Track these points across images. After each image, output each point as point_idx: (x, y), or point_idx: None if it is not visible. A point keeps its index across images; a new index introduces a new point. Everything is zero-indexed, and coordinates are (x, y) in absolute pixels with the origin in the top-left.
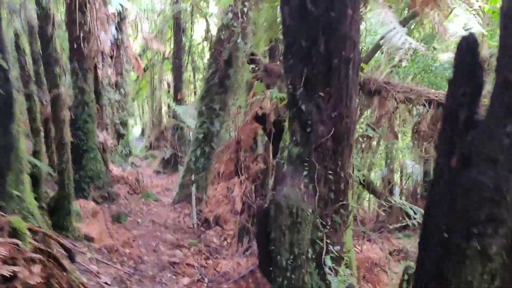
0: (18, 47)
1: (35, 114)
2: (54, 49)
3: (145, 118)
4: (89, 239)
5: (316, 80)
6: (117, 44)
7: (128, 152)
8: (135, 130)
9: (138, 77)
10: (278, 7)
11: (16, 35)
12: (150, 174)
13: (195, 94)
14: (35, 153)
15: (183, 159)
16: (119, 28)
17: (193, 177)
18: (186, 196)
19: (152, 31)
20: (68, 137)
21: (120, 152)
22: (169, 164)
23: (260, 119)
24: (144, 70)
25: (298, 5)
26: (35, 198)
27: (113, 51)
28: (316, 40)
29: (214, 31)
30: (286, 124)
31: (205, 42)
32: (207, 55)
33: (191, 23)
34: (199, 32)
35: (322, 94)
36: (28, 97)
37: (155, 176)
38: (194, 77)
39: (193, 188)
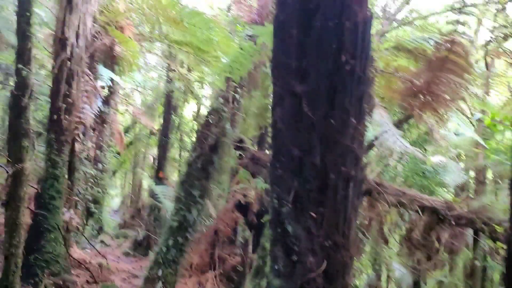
0: None
1: None
2: (26, 121)
3: (126, 190)
4: None
5: (308, 197)
6: (102, 118)
7: (99, 228)
8: (113, 202)
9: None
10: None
11: None
12: (119, 255)
13: (179, 173)
14: None
15: (156, 242)
16: (106, 101)
17: (160, 272)
18: None
19: (142, 106)
20: (23, 217)
21: (90, 230)
22: (141, 246)
23: (242, 208)
24: (129, 145)
25: (293, 107)
26: None
27: (97, 125)
28: (311, 150)
29: (204, 113)
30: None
31: (195, 122)
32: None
33: (183, 102)
34: (191, 111)
35: (314, 214)
36: None
37: (124, 259)
38: (179, 156)
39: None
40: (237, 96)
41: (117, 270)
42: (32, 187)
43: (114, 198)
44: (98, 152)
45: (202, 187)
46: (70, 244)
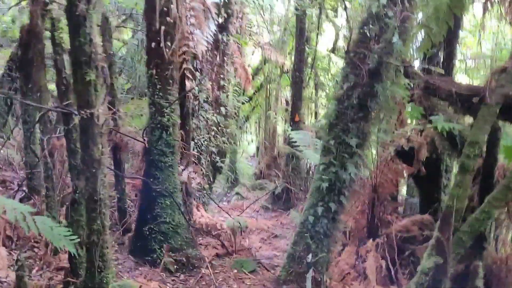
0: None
1: None
2: (89, 39)
3: (261, 136)
4: None
5: None
6: (219, 48)
7: (234, 179)
8: (250, 148)
9: (254, 93)
10: None
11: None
12: (256, 209)
13: (316, 115)
14: None
15: (296, 195)
16: (223, 26)
17: (311, 244)
18: (297, 275)
19: (269, 38)
20: (101, 187)
21: (223, 183)
22: (280, 200)
23: (405, 155)
24: (259, 88)
25: None
26: None
27: (213, 57)
28: None
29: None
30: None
31: (332, 55)
32: (334, 69)
33: (317, 30)
34: (325, 44)
35: None
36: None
37: (262, 213)
38: (316, 95)
39: (309, 271)
40: None
41: (255, 229)
42: (137, 140)
43: (250, 144)
44: (218, 93)
45: (360, 132)
46: (194, 209)
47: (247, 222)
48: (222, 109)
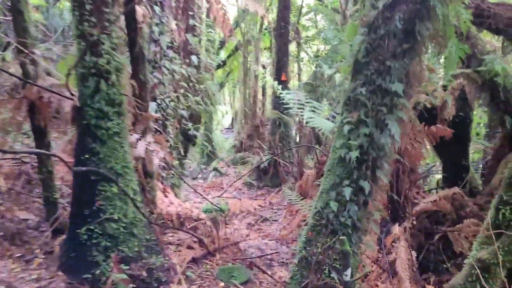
0: None
1: None
2: None
3: (237, 105)
4: None
5: None
6: None
7: (210, 152)
8: (224, 120)
9: (228, 56)
10: None
11: None
12: (239, 187)
13: (299, 78)
14: None
15: (286, 169)
16: None
17: (335, 243)
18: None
19: None
20: None
21: (198, 157)
22: (266, 176)
23: (428, 115)
24: (235, 50)
25: None
26: None
27: None
28: None
29: None
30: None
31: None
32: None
33: None
34: None
35: None
36: None
37: (246, 192)
38: (298, 53)
39: None
40: None
41: (239, 212)
42: (63, 96)
43: (224, 116)
44: (188, 37)
45: (403, 73)
46: (158, 195)
47: (229, 204)
48: (194, 58)
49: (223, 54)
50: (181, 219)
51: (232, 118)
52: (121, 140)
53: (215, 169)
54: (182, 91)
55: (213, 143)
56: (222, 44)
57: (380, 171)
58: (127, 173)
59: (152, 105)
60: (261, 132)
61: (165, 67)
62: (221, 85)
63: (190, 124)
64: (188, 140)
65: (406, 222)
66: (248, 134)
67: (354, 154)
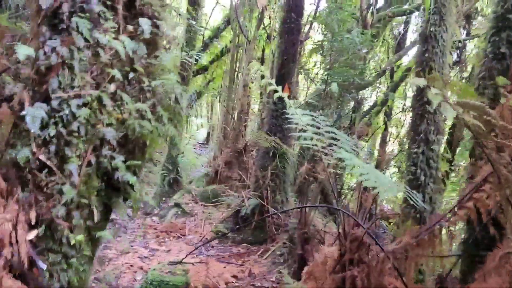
0: None
1: None
2: None
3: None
4: None
5: None
6: None
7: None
8: (200, 134)
9: (211, 62)
10: None
11: None
12: (207, 236)
13: (306, 93)
14: None
15: (277, 220)
16: None
17: None
18: None
19: None
20: None
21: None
22: (248, 226)
23: None
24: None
25: None
26: None
27: None
28: None
29: None
30: None
31: None
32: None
33: None
34: None
35: None
36: None
37: (216, 246)
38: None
39: None
40: None
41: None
42: None
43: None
44: None
45: None
46: None
47: (188, 272)
48: (144, 23)
49: (205, 60)
50: None
51: (208, 133)
52: None
53: (177, 205)
54: (112, 87)
55: (179, 168)
56: (206, 46)
57: None
58: None
59: (32, 111)
60: (243, 161)
61: (78, 31)
62: (199, 95)
63: (119, 158)
64: (113, 188)
65: None
66: (227, 161)
67: None
